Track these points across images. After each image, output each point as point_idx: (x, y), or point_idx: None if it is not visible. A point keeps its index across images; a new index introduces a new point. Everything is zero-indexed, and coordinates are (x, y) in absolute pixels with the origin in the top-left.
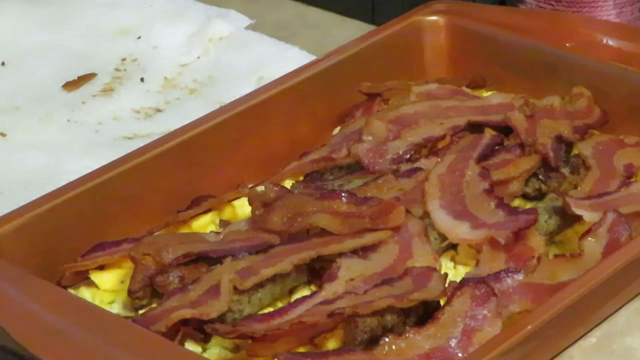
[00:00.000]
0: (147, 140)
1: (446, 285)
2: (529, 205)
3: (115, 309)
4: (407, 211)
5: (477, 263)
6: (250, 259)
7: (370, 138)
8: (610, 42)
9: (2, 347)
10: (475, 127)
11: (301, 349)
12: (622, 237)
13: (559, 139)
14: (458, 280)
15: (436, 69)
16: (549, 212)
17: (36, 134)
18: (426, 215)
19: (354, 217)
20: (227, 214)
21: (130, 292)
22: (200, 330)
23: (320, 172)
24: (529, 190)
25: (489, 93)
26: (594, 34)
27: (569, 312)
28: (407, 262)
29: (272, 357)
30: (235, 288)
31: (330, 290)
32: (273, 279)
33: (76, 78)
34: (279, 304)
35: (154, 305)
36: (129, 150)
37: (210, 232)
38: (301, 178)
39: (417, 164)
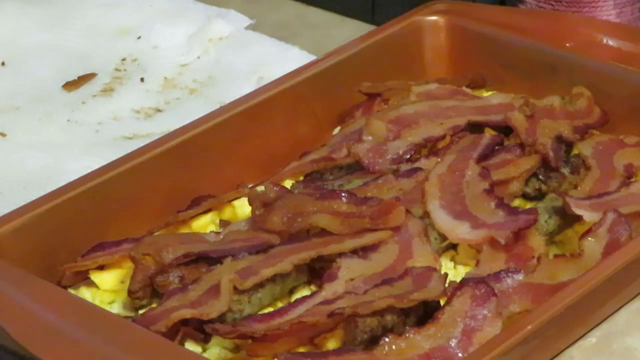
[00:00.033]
0: (147, 140)
1: (446, 285)
2: (529, 205)
3: (115, 309)
4: (407, 211)
5: (477, 263)
6: (250, 259)
7: (370, 138)
8: (610, 42)
9: (2, 347)
10: (475, 127)
11: (301, 349)
12: (622, 237)
13: (559, 139)
14: (458, 280)
15: (436, 69)
16: (549, 212)
17: (36, 134)
18: (426, 215)
19: (354, 217)
20: (227, 214)
21: (130, 292)
22: (200, 330)
23: (320, 172)
24: (529, 190)
25: (489, 93)
26: (594, 34)
27: (569, 312)
28: (407, 262)
29: (272, 357)
30: (235, 288)
31: (330, 290)
32: (273, 279)
33: (76, 78)
34: (279, 304)
35: (154, 305)
36: (129, 150)
37: (210, 232)
38: (301, 178)
39: (417, 164)
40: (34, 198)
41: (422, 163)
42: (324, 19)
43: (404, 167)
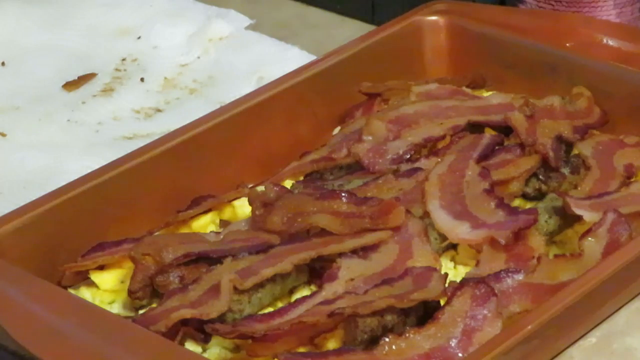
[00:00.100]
0: (147, 140)
1: (446, 285)
2: (529, 205)
3: (115, 309)
4: (407, 211)
5: (477, 263)
6: (250, 259)
7: (370, 138)
8: (610, 42)
9: (2, 347)
10: (475, 127)
11: (301, 349)
12: (622, 237)
13: (559, 139)
14: (458, 280)
15: (436, 69)
16: (549, 212)
17: (36, 134)
18: (426, 215)
19: (354, 217)
20: (227, 214)
21: (130, 292)
22: (201, 330)
23: (320, 172)
24: (529, 190)
25: (489, 93)
26: (594, 34)
27: (569, 312)
28: (407, 262)
29: (272, 357)
30: (235, 288)
31: (330, 290)
32: (273, 279)
33: (76, 78)
34: (279, 304)
35: (154, 305)
36: (129, 150)
37: (210, 232)
38: (301, 178)
39: (417, 164)
40: (34, 198)
41: (422, 163)
42: (324, 19)
43: (404, 167)
